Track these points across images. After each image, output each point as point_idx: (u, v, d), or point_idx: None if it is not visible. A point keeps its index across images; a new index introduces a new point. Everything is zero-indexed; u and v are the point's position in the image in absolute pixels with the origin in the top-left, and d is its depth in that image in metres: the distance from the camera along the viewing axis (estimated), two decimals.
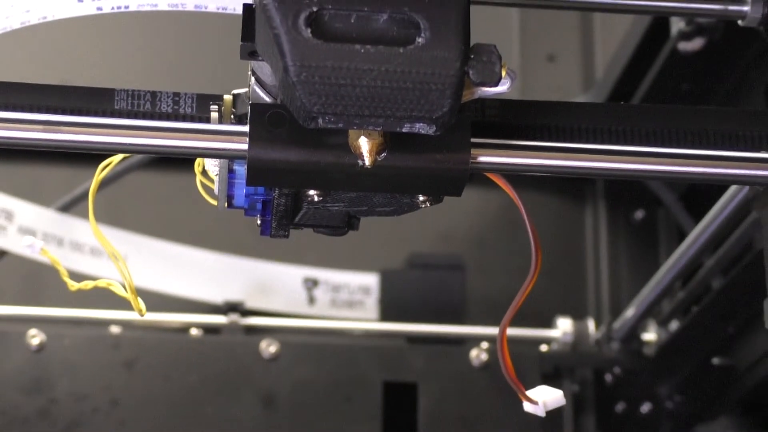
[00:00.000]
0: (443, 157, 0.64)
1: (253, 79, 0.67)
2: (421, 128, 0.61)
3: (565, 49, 1.49)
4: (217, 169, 0.71)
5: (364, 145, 0.62)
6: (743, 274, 1.06)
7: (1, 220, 1.19)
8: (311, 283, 1.36)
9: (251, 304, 1.32)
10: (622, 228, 1.41)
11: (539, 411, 0.69)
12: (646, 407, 1.31)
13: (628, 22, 1.28)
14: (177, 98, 0.68)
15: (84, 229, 1.23)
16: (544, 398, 0.69)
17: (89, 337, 1.25)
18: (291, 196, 0.69)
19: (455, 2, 0.61)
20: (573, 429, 1.28)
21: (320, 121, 0.60)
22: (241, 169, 0.69)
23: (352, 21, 0.60)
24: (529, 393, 0.69)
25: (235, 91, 0.68)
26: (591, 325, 1.33)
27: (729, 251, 1.09)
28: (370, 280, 1.37)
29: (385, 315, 1.35)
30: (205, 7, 0.75)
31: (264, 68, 0.65)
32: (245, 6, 0.63)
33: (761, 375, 1.14)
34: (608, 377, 1.32)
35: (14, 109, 0.65)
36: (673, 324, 1.26)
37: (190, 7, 0.75)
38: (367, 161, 0.63)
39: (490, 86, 0.62)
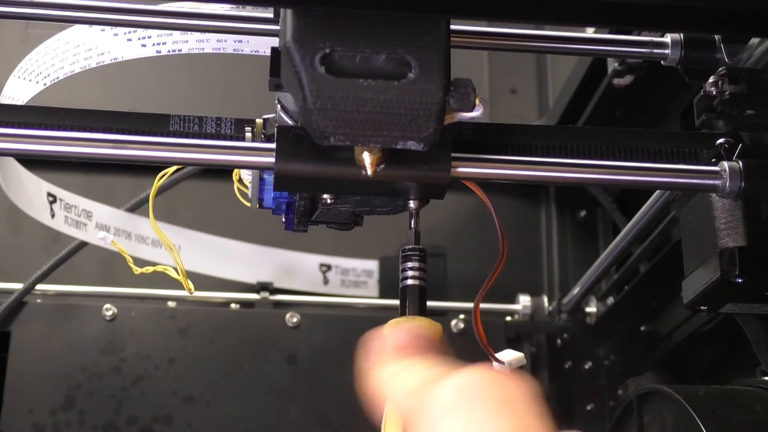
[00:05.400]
0: (429, 168, 0.63)
1: (279, 106, 0.66)
2: (412, 145, 0.60)
3: (525, 84, 1.49)
4: (251, 177, 0.71)
5: (367, 158, 0.62)
6: (664, 260, 1.06)
7: (82, 218, 1.18)
8: (325, 268, 1.36)
9: (278, 284, 1.31)
10: (569, 224, 1.41)
11: (505, 369, 0.69)
12: (588, 365, 1.31)
13: (573, 63, 1.28)
14: (219, 122, 0.67)
15: (147, 226, 1.22)
16: (509, 359, 0.68)
17: (151, 310, 1.24)
18: (309, 199, 0.69)
19: (438, 45, 0.60)
20: None
21: (332, 139, 0.60)
22: (269, 178, 0.69)
23: (357, 60, 0.59)
24: (498, 355, 0.68)
25: (265, 116, 0.67)
26: (545, 300, 1.33)
27: (653, 242, 1.08)
28: (372, 265, 1.37)
29: (384, 293, 1.35)
30: (242, 51, 0.75)
31: (287, 98, 0.64)
32: (273, 49, 0.63)
33: (678, 339, 1.13)
34: (558, 341, 1.32)
35: (91, 130, 0.65)
36: (609, 299, 1.26)
37: (229, 51, 0.75)
38: (369, 171, 0.62)
39: (467, 112, 0.61)
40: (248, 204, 0.72)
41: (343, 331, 1.25)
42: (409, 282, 0.64)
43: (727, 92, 0.70)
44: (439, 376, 0.52)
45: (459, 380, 0.50)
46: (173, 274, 0.78)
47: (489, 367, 0.52)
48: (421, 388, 0.52)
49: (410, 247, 0.65)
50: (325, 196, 0.67)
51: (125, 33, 0.74)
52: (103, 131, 0.65)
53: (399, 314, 0.63)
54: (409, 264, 0.64)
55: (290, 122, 0.65)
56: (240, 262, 1.31)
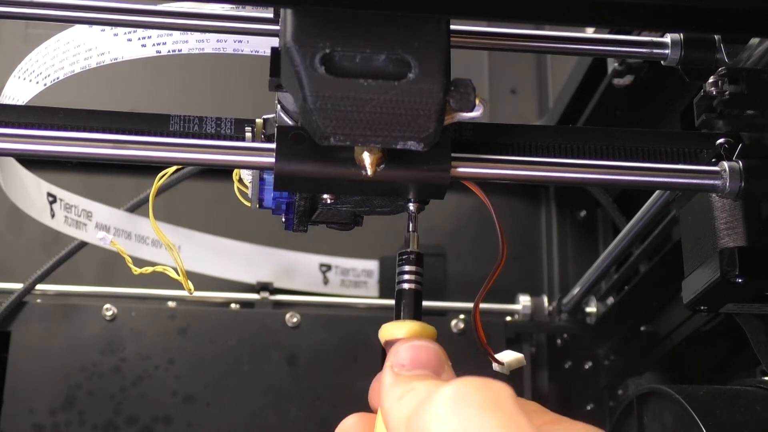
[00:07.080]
0: (429, 168, 0.63)
1: (279, 106, 0.66)
2: (412, 145, 0.60)
3: (525, 84, 1.49)
4: (251, 177, 0.71)
5: (367, 158, 0.62)
6: (664, 260, 1.06)
7: (82, 218, 1.18)
8: (325, 268, 1.36)
9: (278, 284, 1.31)
10: (569, 224, 1.41)
11: (504, 371, 0.68)
12: (588, 365, 1.31)
13: (573, 63, 1.28)
14: (219, 122, 0.67)
15: (147, 226, 1.22)
16: (508, 360, 0.68)
17: (151, 310, 1.24)
18: (309, 199, 0.69)
19: (439, 46, 0.60)
20: (531, 382, 1.28)
21: (332, 139, 0.59)
22: (269, 178, 0.69)
23: (357, 60, 0.59)
24: (497, 355, 0.68)
25: (265, 116, 0.67)
26: (545, 300, 1.33)
27: (653, 242, 1.08)
28: (372, 265, 1.37)
29: (384, 293, 1.35)
30: (242, 51, 0.75)
31: (287, 98, 0.64)
32: (273, 49, 0.63)
33: (678, 339, 1.13)
34: (558, 341, 1.32)
35: (92, 131, 0.64)
36: (609, 299, 1.26)
37: (229, 51, 0.75)
38: (369, 172, 0.62)
39: (467, 112, 0.61)
40: (248, 204, 0.71)
41: (343, 331, 1.25)
42: (405, 285, 0.63)
43: (727, 92, 0.70)
44: (430, 394, 0.52)
45: (446, 392, 0.51)
46: (173, 274, 0.78)
47: (469, 376, 0.52)
48: (415, 410, 0.52)
49: (407, 250, 0.64)
50: (325, 196, 0.67)
51: (125, 33, 0.74)
52: (103, 131, 0.64)
53: (394, 318, 0.63)
54: (405, 267, 0.64)
55: (290, 122, 0.65)
56: (240, 262, 1.31)
